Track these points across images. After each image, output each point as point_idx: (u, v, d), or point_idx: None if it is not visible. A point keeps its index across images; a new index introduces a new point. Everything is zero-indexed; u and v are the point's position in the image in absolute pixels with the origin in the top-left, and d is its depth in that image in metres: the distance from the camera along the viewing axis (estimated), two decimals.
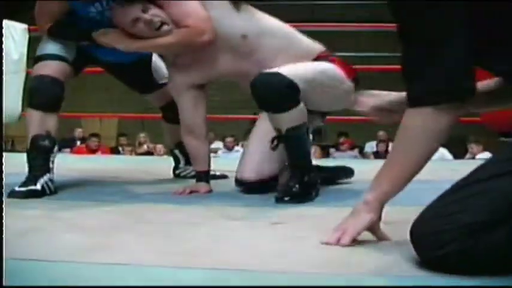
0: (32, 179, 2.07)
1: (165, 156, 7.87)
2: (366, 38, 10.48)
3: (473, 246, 1.02)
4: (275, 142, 2.01)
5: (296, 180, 1.97)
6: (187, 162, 2.69)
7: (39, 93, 2.15)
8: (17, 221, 1.55)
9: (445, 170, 3.03)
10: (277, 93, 1.91)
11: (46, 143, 2.15)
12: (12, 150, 11.10)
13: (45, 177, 2.10)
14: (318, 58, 2.16)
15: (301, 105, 1.98)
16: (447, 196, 1.12)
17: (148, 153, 8.46)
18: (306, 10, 11.69)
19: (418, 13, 1.15)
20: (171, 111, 2.59)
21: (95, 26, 2.17)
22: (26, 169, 2.14)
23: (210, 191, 2.22)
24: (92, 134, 7.85)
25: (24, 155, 2.18)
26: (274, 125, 2.00)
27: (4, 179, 1.44)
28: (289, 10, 8.69)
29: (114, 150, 8.45)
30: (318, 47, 2.22)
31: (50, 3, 2.19)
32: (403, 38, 1.20)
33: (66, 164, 2.33)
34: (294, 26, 2.30)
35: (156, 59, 2.58)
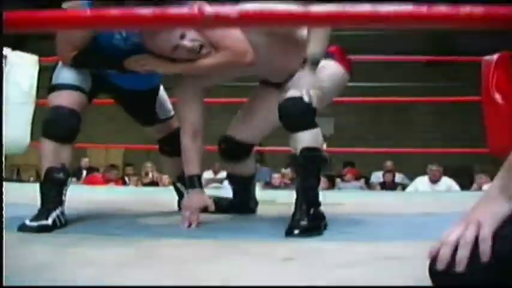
0: (44, 212, 2.05)
1: (171, 187, 7.89)
2: None
3: (492, 286, 1.00)
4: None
5: (303, 214, 1.98)
6: None
7: (56, 125, 2.12)
8: (27, 256, 1.55)
9: (451, 202, 3.03)
10: (297, 114, 2.01)
11: (61, 175, 2.13)
12: (18, 179, 11.13)
13: (57, 211, 2.07)
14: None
15: (318, 129, 2.05)
16: None
17: (153, 182, 8.47)
18: None
19: None
20: (168, 145, 2.60)
21: (118, 53, 2.16)
22: (32, 199, 2.13)
23: (207, 203, 2.20)
24: (112, 165, 8.11)
25: (30, 185, 2.17)
26: (293, 147, 2.06)
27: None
28: None
29: (121, 180, 8.48)
30: None
31: (74, 31, 2.12)
32: None
33: (74, 194, 2.32)
34: None
35: (162, 92, 2.60)
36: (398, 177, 8.72)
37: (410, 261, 1.39)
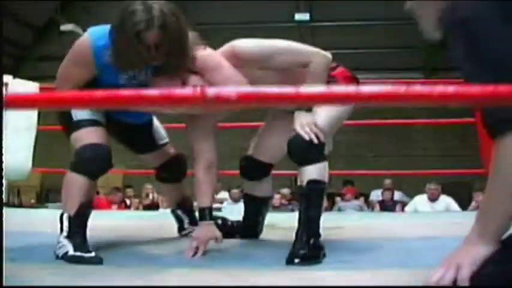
0: (82, 242, 2.10)
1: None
2: None
3: None
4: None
5: (303, 244, 2.05)
6: (191, 222, 2.73)
7: (95, 163, 2.19)
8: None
9: (449, 224, 3.08)
10: (303, 149, 2.12)
11: (90, 210, 2.23)
12: (19, 202, 11.11)
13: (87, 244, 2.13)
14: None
15: (325, 163, 2.15)
16: None
17: (154, 204, 8.50)
18: None
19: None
20: (166, 171, 2.67)
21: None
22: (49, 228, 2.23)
23: (216, 235, 2.27)
24: (116, 188, 8.06)
25: (33, 210, 2.21)
26: (299, 179, 2.16)
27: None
28: None
29: (122, 203, 8.53)
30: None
31: (77, 69, 2.20)
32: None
33: None
34: None
35: (155, 120, 2.67)
36: (397, 195, 8.78)
37: None
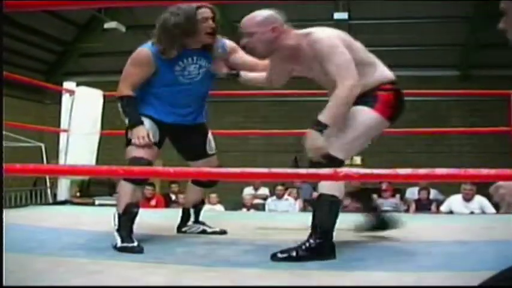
0: (128, 235, 2.64)
1: (218, 206, 8.18)
2: None
3: None
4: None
5: (302, 243, 2.41)
6: (196, 221, 3.20)
7: None
8: None
9: (484, 228, 3.33)
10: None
11: (136, 210, 2.73)
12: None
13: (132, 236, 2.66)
14: (379, 88, 2.54)
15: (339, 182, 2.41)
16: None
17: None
18: None
19: None
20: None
21: (176, 84, 2.78)
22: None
23: None
24: (147, 183, 7.86)
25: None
26: (318, 191, 2.50)
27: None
28: None
29: (167, 198, 8.74)
30: (388, 76, 2.61)
31: (139, 70, 2.76)
32: None
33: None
34: None
35: (209, 132, 3.09)
36: (433, 193, 8.84)
37: None
